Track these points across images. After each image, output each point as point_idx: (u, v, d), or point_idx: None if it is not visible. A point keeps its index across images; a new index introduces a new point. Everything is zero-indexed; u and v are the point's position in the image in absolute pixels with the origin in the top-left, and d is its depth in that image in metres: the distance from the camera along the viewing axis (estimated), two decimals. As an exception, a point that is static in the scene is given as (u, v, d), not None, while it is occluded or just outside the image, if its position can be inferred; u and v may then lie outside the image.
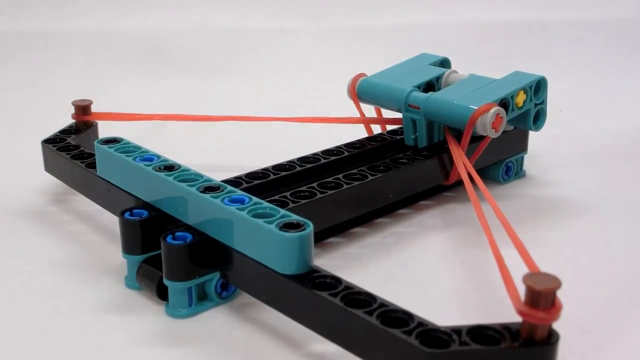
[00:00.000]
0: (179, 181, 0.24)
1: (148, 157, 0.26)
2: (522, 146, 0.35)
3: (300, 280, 0.20)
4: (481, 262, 0.27)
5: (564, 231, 0.30)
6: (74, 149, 0.31)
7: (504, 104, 0.30)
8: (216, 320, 0.23)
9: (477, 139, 0.30)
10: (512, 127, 0.33)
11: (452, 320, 0.19)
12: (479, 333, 0.18)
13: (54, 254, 0.28)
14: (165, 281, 0.23)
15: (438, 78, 0.33)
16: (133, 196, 0.26)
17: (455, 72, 0.34)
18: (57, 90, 0.52)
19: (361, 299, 0.20)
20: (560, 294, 0.18)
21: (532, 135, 0.35)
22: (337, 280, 0.20)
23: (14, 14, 0.67)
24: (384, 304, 0.19)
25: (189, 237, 0.23)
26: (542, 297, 0.17)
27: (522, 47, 0.57)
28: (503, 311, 0.22)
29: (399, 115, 0.33)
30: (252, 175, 0.28)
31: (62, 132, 0.34)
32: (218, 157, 0.39)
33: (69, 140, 0.32)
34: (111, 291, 0.25)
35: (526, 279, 0.18)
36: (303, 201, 0.25)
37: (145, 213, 0.25)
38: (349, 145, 0.32)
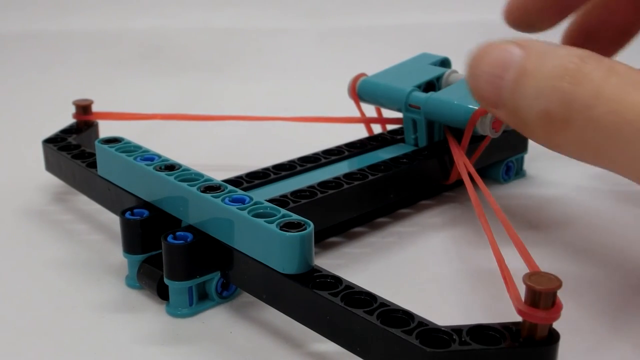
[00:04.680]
0: (180, 181, 0.24)
1: (149, 157, 0.26)
2: (523, 146, 0.35)
3: (300, 280, 0.20)
4: (481, 262, 0.27)
5: (564, 231, 0.30)
6: (75, 149, 0.31)
7: (504, 104, 0.30)
8: (217, 320, 0.23)
9: (477, 138, 0.30)
10: (512, 127, 0.33)
11: (453, 320, 0.19)
12: (480, 333, 0.18)
13: (54, 253, 0.28)
14: (166, 280, 0.23)
15: (438, 78, 0.33)
16: (134, 196, 0.26)
17: (455, 72, 0.34)
18: (57, 89, 0.52)
19: (362, 299, 0.20)
20: (560, 294, 0.18)
21: (532, 135, 0.35)
22: (337, 280, 0.20)
23: (14, 14, 0.67)
24: (384, 304, 0.19)
25: (189, 236, 0.23)
26: (542, 297, 0.17)
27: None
28: (503, 311, 0.22)
29: (399, 115, 0.33)
30: (252, 175, 0.28)
31: (63, 131, 0.34)
32: (218, 156, 0.39)
33: (69, 139, 0.32)
34: (112, 290, 0.25)
35: (526, 278, 0.18)
36: (303, 201, 0.25)
37: (145, 212, 0.25)
38: (349, 145, 0.32)
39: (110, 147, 0.27)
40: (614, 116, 0.18)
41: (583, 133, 0.19)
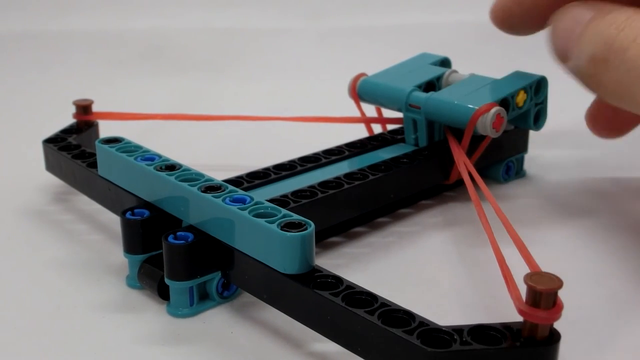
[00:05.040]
0: (180, 181, 0.24)
1: (149, 157, 0.26)
2: (523, 146, 0.35)
3: (301, 280, 0.20)
4: (482, 262, 0.27)
5: (564, 231, 0.30)
6: (75, 149, 0.31)
7: (505, 103, 0.30)
8: (217, 320, 0.23)
9: (477, 138, 0.30)
10: (512, 127, 0.33)
11: (453, 320, 0.19)
12: (480, 333, 0.18)
13: (55, 253, 0.28)
14: (167, 281, 0.23)
15: (439, 78, 0.33)
16: (134, 196, 0.26)
17: (455, 72, 0.34)
18: (57, 89, 0.52)
19: (362, 299, 0.20)
20: (561, 294, 0.18)
21: (533, 135, 0.35)
22: (338, 280, 0.20)
23: (14, 14, 0.67)
24: (385, 304, 0.19)
25: (190, 236, 0.23)
26: (543, 297, 0.17)
27: (522, 47, 0.57)
28: (504, 311, 0.22)
29: (399, 114, 0.33)
30: (253, 175, 0.28)
31: (63, 131, 0.34)
32: (219, 156, 0.39)
33: (70, 139, 0.32)
34: (112, 290, 0.25)
35: (527, 278, 0.18)
36: (304, 201, 0.25)
37: (146, 213, 0.25)
38: (350, 145, 0.32)
39: (111, 147, 0.27)
40: None
41: (617, 72, 0.22)
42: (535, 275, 0.18)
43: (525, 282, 0.18)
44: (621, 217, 0.31)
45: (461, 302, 0.24)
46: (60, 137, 0.33)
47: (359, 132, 0.35)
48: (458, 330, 0.18)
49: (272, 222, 0.21)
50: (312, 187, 0.27)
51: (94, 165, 0.29)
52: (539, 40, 0.28)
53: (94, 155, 0.29)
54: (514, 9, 0.28)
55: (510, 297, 0.19)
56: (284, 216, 0.21)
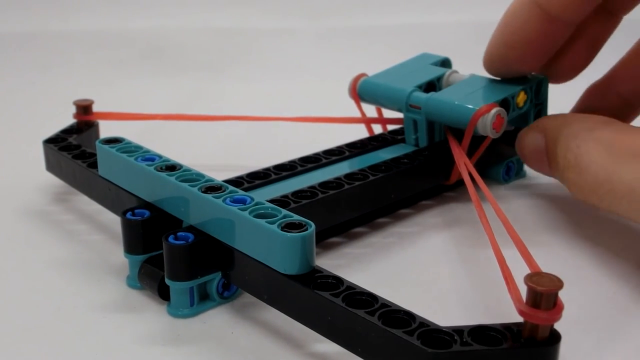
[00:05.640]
0: (181, 181, 0.24)
1: (149, 157, 0.26)
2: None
3: (302, 281, 0.20)
4: (482, 262, 0.27)
5: (564, 231, 0.30)
6: (75, 149, 0.31)
7: (505, 104, 0.30)
8: (217, 320, 0.23)
9: (478, 139, 0.30)
10: (512, 127, 0.33)
11: (454, 321, 0.19)
12: (481, 333, 0.18)
13: (55, 254, 0.28)
14: (167, 281, 0.23)
15: (439, 78, 0.33)
16: (135, 196, 0.26)
17: (456, 72, 0.34)
18: (58, 90, 0.52)
19: (363, 299, 0.20)
20: (561, 294, 0.18)
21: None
22: (338, 281, 0.20)
23: (14, 14, 0.67)
24: (385, 304, 0.19)
25: (190, 237, 0.23)
26: (543, 297, 0.17)
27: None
28: (504, 311, 0.22)
29: (400, 115, 0.33)
30: (253, 175, 0.28)
31: (64, 131, 0.34)
32: (219, 157, 0.39)
33: (70, 139, 0.32)
34: (113, 291, 0.25)
35: (528, 279, 0.18)
36: (304, 201, 0.25)
37: (146, 213, 0.25)
38: (350, 145, 0.32)
39: (111, 147, 0.27)
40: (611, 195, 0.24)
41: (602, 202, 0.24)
42: (535, 276, 0.18)
43: (526, 282, 0.18)
44: (621, 217, 0.31)
45: (461, 303, 0.24)
46: (60, 137, 0.33)
47: (359, 132, 0.35)
48: (458, 330, 0.18)
49: (272, 223, 0.21)
50: (312, 187, 0.27)
51: (94, 165, 0.29)
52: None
53: (94, 155, 0.29)
54: (509, 54, 0.29)
55: (510, 298, 0.19)
56: (285, 217, 0.21)
